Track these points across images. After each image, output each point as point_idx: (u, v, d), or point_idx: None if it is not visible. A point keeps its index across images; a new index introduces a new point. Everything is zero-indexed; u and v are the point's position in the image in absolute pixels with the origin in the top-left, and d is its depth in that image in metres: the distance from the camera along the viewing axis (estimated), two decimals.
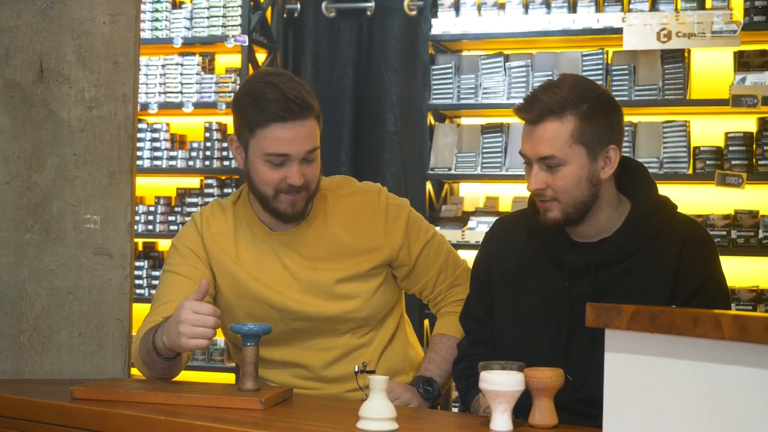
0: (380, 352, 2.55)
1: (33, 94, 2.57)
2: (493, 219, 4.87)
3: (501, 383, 1.92)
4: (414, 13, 5.63)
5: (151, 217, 5.90)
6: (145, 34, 5.83)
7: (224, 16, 5.79)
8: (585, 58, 5.15)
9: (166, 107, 5.89)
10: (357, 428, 1.94)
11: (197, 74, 5.87)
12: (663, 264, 2.24)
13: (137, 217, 5.82)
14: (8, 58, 2.57)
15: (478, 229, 5.23)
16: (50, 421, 2.15)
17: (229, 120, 5.71)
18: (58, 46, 2.58)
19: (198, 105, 5.85)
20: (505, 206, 5.44)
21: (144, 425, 2.02)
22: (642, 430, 1.78)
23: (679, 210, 2.35)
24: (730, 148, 4.85)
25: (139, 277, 5.84)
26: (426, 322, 5.27)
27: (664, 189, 2.39)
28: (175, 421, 1.99)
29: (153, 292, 5.70)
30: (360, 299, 2.50)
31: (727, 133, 4.89)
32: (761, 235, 4.77)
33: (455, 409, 4.91)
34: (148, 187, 6.08)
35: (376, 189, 2.58)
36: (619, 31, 4.97)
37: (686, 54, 4.98)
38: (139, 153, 5.88)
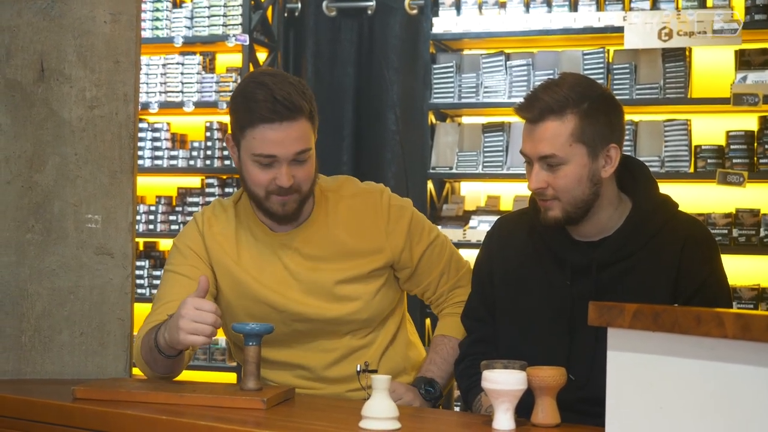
0: (381, 352, 2.54)
1: (34, 94, 2.57)
2: (494, 218, 4.86)
3: (504, 382, 1.92)
4: (415, 12, 5.63)
5: (152, 217, 5.90)
6: (146, 34, 5.83)
7: (225, 16, 5.79)
8: (586, 56, 5.15)
9: (166, 107, 5.89)
10: (360, 428, 1.93)
11: (198, 74, 5.87)
12: (664, 263, 2.23)
13: (138, 217, 5.82)
14: (9, 58, 2.57)
15: (480, 228, 5.23)
16: (52, 421, 2.15)
17: (229, 119, 5.70)
18: (59, 45, 2.58)
19: (199, 104, 5.84)
20: (507, 205, 5.44)
21: (146, 425, 2.02)
22: (645, 429, 1.77)
23: (680, 209, 2.35)
24: (732, 147, 4.85)
25: (140, 277, 5.84)
26: (428, 321, 5.27)
27: (666, 188, 2.39)
28: (177, 420, 1.99)
29: (154, 291, 5.70)
30: (361, 301, 2.49)
31: (728, 132, 4.89)
32: (762, 233, 4.77)
33: (457, 409, 4.91)
34: (149, 186, 6.07)
35: (378, 190, 2.57)
36: (620, 29, 4.97)
37: (687, 53, 4.98)
38: (140, 152, 5.88)
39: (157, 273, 5.83)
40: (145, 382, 2.34)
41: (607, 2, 5.11)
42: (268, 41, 5.92)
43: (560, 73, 2.39)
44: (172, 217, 5.92)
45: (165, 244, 6.14)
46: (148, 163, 5.91)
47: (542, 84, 2.27)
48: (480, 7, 5.32)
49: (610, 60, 5.17)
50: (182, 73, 5.89)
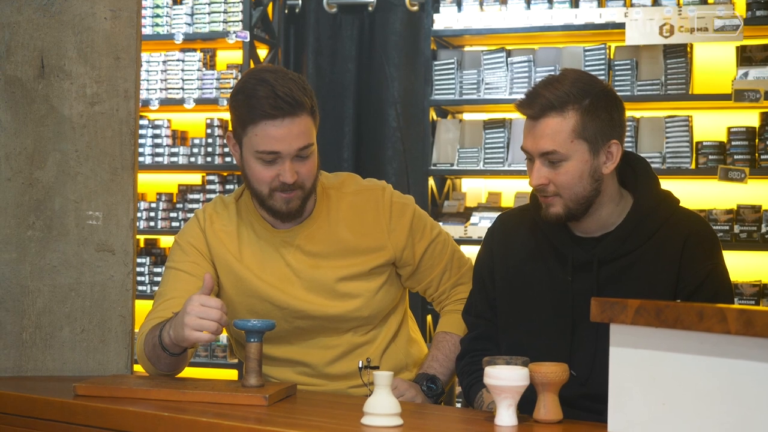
0: (383, 349, 2.54)
1: (34, 90, 2.57)
2: (495, 215, 4.87)
3: (506, 378, 1.92)
4: (416, 8, 5.62)
5: (152, 214, 5.90)
6: (146, 30, 5.83)
7: (225, 12, 5.79)
8: (587, 53, 5.15)
9: (167, 103, 5.89)
10: (362, 424, 1.93)
11: (198, 70, 5.87)
12: (666, 258, 2.23)
13: (139, 214, 5.82)
14: (9, 54, 2.56)
15: (481, 224, 5.22)
16: (53, 418, 2.14)
17: (229, 116, 5.70)
18: (59, 41, 2.57)
19: (199, 101, 5.84)
20: (508, 202, 5.43)
21: (147, 422, 2.02)
22: (647, 425, 1.77)
23: (681, 204, 2.35)
24: (733, 143, 4.84)
25: (141, 274, 5.84)
26: (429, 317, 5.27)
27: (667, 184, 2.39)
28: (178, 417, 1.99)
29: (155, 288, 5.71)
30: (362, 298, 2.49)
31: (729, 128, 4.88)
32: (764, 229, 4.77)
33: (459, 405, 4.91)
34: (150, 183, 6.07)
35: (380, 187, 2.56)
36: (622, 26, 4.97)
37: (689, 49, 4.97)
38: (140, 149, 5.88)
39: (158, 270, 5.83)
40: (147, 379, 2.34)
41: None
42: (269, 38, 5.91)
43: (561, 69, 2.38)
44: (172, 214, 5.91)
45: (166, 241, 6.14)
46: (148, 160, 5.91)
47: (543, 80, 2.26)
48: (481, 4, 5.31)
49: (612, 56, 5.17)
50: (183, 70, 5.88)
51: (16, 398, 2.22)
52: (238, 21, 5.75)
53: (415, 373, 2.56)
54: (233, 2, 5.76)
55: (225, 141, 5.70)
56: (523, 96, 2.26)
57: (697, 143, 4.93)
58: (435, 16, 5.37)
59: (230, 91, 5.68)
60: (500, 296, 2.38)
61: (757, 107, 4.82)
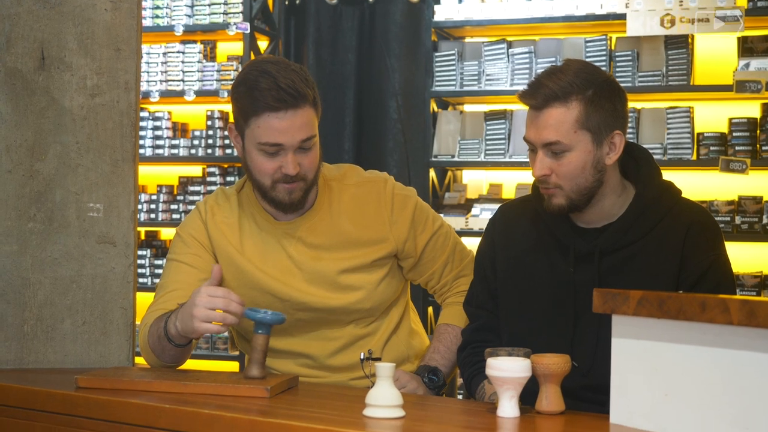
0: (385, 341, 2.54)
1: (34, 82, 2.56)
2: (496, 206, 4.86)
3: (508, 369, 1.92)
4: None
5: (153, 206, 5.90)
6: (146, 22, 5.82)
7: (225, 3, 5.78)
8: (588, 44, 5.14)
9: (167, 95, 5.88)
10: (363, 415, 1.93)
11: (199, 62, 5.86)
12: (668, 249, 2.23)
13: (139, 206, 5.82)
14: (9, 46, 2.56)
15: (482, 216, 5.22)
16: (54, 410, 2.14)
17: (231, 108, 5.70)
18: (60, 33, 2.56)
19: (200, 93, 5.83)
20: (509, 193, 5.43)
21: (149, 414, 2.02)
22: (649, 416, 1.77)
23: (683, 195, 2.34)
24: (734, 134, 4.84)
25: (142, 266, 5.84)
26: (430, 309, 5.27)
27: (668, 175, 2.38)
28: (180, 409, 1.99)
29: (156, 280, 5.71)
30: (364, 290, 2.48)
31: (731, 119, 4.88)
32: (765, 220, 4.77)
33: (460, 396, 4.91)
34: (151, 175, 6.07)
35: (382, 179, 2.56)
36: (623, 17, 4.96)
37: (690, 40, 4.96)
38: (141, 141, 5.87)
39: (159, 262, 5.83)
40: (148, 371, 2.34)
41: None
42: (269, 29, 5.90)
43: (564, 59, 2.37)
44: (173, 206, 5.91)
45: (167, 233, 6.14)
46: (149, 152, 5.91)
47: (546, 70, 2.25)
48: None
49: (613, 47, 5.16)
50: (183, 62, 5.88)
51: (18, 390, 2.22)
52: (238, 12, 5.74)
53: (417, 364, 2.55)
54: None
55: (226, 133, 5.79)
56: (525, 86, 2.25)
57: (699, 134, 4.93)
58: (436, 7, 5.37)
59: (231, 82, 5.69)
60: (501, 287, 2.38)
61: (759, 98, 4.82)
